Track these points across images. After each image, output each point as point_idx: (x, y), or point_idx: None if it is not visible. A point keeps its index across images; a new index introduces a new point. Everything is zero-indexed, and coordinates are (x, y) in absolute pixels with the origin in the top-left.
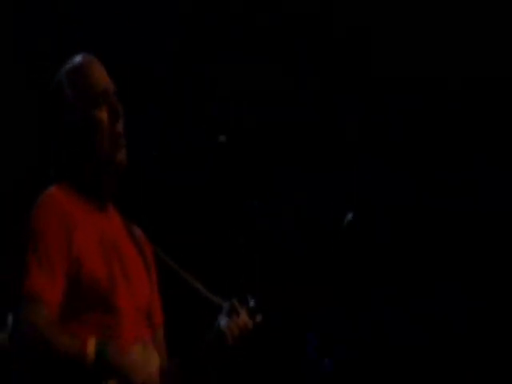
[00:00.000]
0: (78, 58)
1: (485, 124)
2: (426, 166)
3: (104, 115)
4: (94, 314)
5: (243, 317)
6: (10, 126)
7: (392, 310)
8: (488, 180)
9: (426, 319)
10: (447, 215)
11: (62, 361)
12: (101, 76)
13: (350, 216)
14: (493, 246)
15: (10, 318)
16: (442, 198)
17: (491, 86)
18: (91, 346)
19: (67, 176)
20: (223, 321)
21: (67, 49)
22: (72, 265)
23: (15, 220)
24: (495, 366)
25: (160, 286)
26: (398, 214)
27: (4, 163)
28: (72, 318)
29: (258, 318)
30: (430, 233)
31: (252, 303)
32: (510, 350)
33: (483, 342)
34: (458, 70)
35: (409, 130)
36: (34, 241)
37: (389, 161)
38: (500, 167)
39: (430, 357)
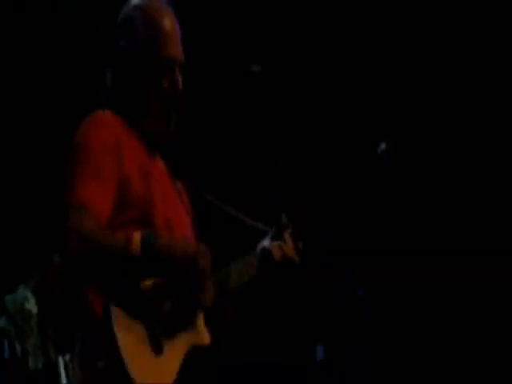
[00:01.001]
0: (159, 5)
1: None
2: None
3: (165, 84)
4: (136, 229)
5: (288, 240)
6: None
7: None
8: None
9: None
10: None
11: (111, 255)
12: (177, 42)
13: (383, 145)
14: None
15: None
16: None
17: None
18: (137, 237)
19: (117, 105)
20: (268, 242)
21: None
22: (122, 179)
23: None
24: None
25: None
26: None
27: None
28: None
29: (300, 244)
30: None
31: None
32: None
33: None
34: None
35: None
36: (86, 153)
37: None
38: None
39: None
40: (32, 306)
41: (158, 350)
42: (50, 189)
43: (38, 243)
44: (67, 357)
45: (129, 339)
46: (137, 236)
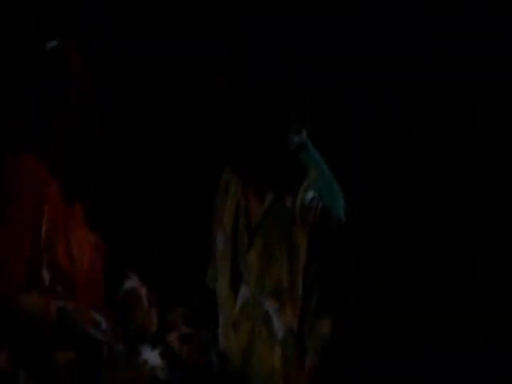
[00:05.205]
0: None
1: None
2: None
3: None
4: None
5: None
6: None
7: None
8: None
9: None
10: None
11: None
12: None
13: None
14: None
15: None
16: None
17: None
18: (53, 308)
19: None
20: None
21: None
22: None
23: None
24: None
25: None
26: None
27: None
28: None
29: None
30: None
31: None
32: None
33: None
34: None
35: None
36: (8, 209)
37: None
38: None
39: None
40: None
41: None
42: None
43: None
44: None
45: None
46: (53, 305)
